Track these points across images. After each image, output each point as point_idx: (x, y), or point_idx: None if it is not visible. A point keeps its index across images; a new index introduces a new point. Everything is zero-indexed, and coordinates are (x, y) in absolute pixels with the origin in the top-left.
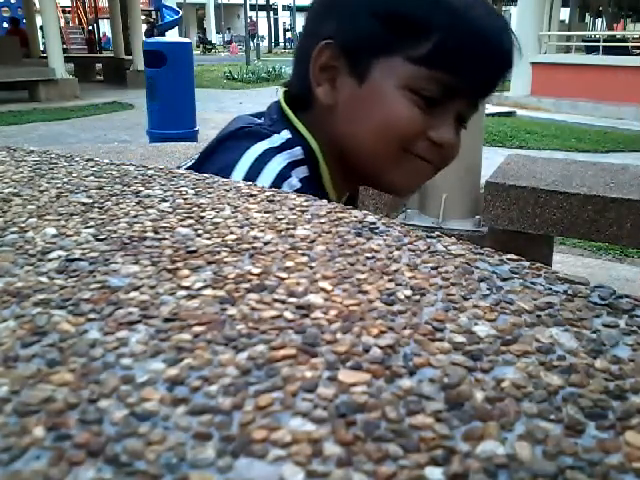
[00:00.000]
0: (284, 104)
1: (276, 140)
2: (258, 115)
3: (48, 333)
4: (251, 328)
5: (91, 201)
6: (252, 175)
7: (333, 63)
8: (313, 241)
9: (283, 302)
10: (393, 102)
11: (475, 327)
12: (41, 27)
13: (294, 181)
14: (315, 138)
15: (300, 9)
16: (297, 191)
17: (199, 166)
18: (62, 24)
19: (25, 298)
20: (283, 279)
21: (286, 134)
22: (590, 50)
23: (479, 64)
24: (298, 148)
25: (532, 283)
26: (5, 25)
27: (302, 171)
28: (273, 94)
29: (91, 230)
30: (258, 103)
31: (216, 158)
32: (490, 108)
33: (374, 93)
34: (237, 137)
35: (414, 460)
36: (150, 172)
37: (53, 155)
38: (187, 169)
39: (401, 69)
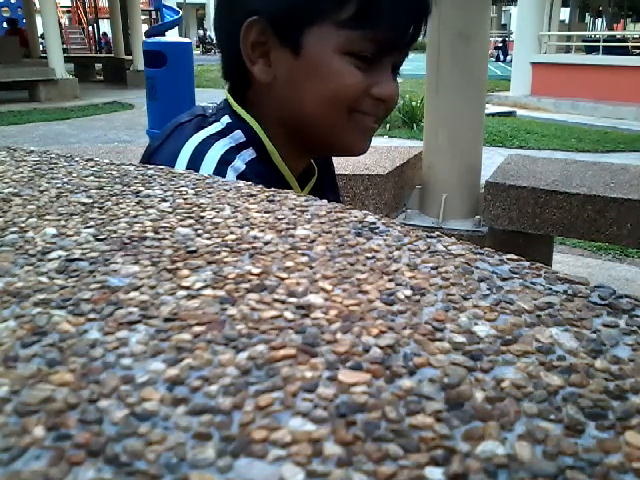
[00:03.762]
0: (227, 93)
1: (215, 128)
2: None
3: (48, 333)
4: (251, 328)
5: (91, 201)
6: (193, 166)
7: (262, 39)
8: (313, 241)
9: (283, 302)
10: (335, 69)
11: (475, 327)
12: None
13: (238, 164)
14: (262, 119)
15: None
16: (243, 173)
17: (149, 160)
18: (64, 23)
19: (25, 298)
20: (283, 279)
21: (226, 119)
22: (590, 50)
23: (402, 14)
24: (238, 131)
25: (532, 283)
26: (5, 25)
27: (249, 154)
28: None
29: (91, 230)
30: None
31: (158, 155)
32: (490, 108)
33: (313, 63)
34: (175, 133)
35: (414, 460)
36: (150, 172)
37: (53, 155)
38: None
39: (334, 35)
